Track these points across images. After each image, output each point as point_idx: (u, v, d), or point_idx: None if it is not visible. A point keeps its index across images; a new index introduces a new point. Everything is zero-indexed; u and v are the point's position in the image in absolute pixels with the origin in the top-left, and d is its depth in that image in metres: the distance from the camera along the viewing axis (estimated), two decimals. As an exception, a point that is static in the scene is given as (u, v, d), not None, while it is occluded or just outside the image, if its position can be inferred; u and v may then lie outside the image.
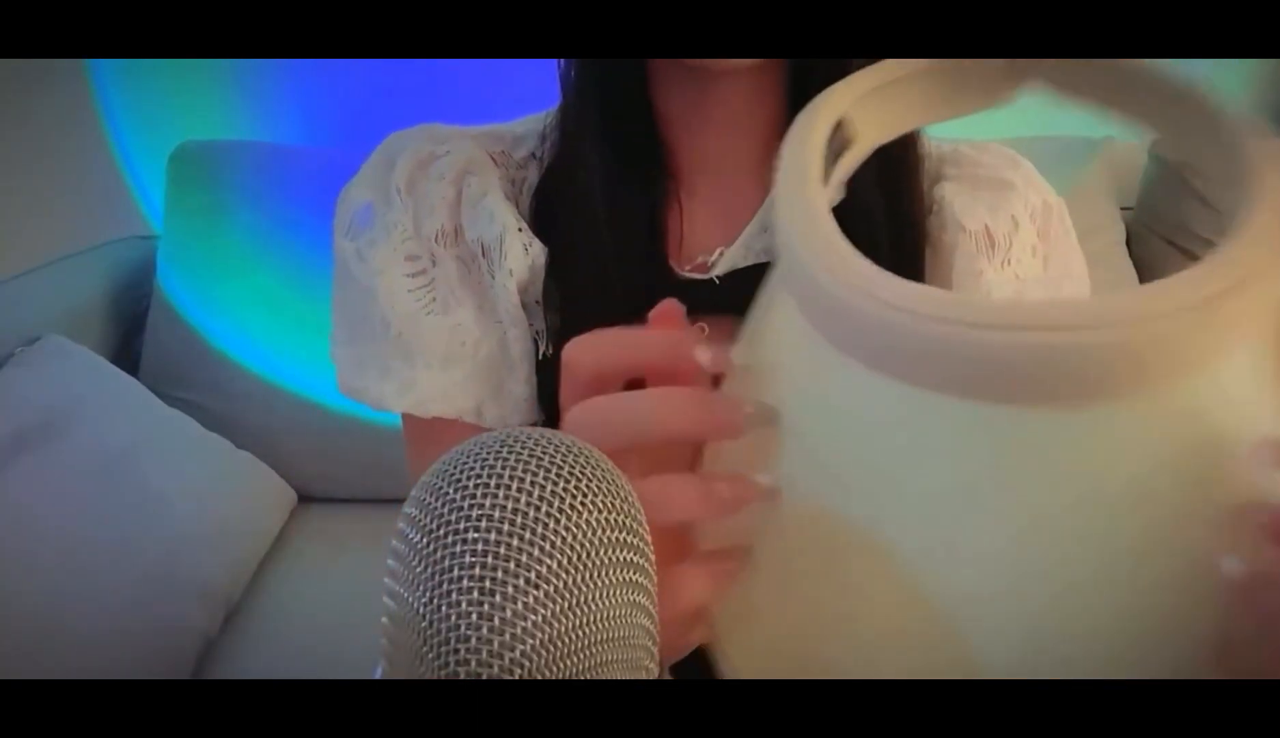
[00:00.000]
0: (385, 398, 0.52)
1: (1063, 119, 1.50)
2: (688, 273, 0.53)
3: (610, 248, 0.50)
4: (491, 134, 0.57)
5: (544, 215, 0.53)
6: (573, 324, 0.51)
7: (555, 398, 0.54)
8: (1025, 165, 0.56)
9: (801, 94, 0.52)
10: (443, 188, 0.52)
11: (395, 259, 0.52)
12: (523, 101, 0.59)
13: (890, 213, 0.51)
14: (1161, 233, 1.42)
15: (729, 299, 0.54)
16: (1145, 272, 1.41)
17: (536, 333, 0.53)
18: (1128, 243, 1.41)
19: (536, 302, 0.53)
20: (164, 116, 1.47)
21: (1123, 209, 1.43)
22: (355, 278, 0.52)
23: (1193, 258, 1.39)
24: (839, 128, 0.34)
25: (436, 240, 0.52)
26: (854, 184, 0.50)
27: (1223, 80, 1.56)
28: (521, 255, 0.51)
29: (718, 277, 0.53)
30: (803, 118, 0.33)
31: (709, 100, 0.52)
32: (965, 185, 0.54)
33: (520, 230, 0.51)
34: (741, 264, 0.53)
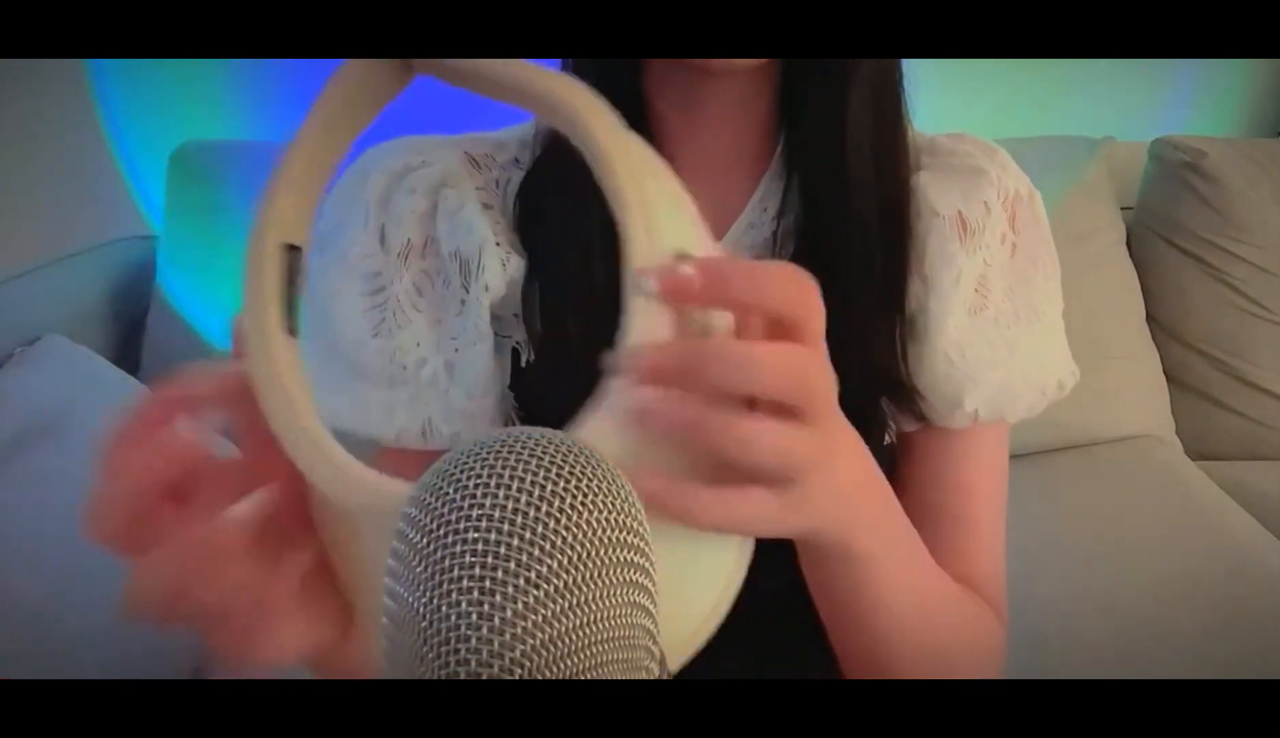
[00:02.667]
0: (339, 413, 0.52)
1: (1063, 119, 1.51)
2: None
3: (598, 246, 0.50)
4: (475, 139, 0.57)
5: (529, 214, 0.53)
6: (555, 328, 0.51)
7: (540, 403, 0.54)
8: (1000, 154, 0.56)
9: (793, 91, 0.52)
10: (415, 200, 0.52)
11: (350, 281, 0.52)
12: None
13: (878, 199, 0.51)
14: (1161, 233, 1.42)
15: None
16: (1145, 271, 1.41)
17: (517, 343, 0.53)
18: (1128, 243, 1.41)
19: (515, 314, 0.53)
20: (164, 116, 1.47)
21: (1123, 209, 1.43)
22: (316, 295, 0.53)
23: (1192, 258, 1.39)
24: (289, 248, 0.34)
25: (400, 255, 0.52)
26: (849, 173, 0.50)
27: (1223, 80, 1.56)
28: (499, 271, 0.51)
29: None
30: (252, 245, 0.33)
31: (704, 98, 0.52)
32: (940, 173, 0.54)
33: (498, 245, 0.51)
34: None
